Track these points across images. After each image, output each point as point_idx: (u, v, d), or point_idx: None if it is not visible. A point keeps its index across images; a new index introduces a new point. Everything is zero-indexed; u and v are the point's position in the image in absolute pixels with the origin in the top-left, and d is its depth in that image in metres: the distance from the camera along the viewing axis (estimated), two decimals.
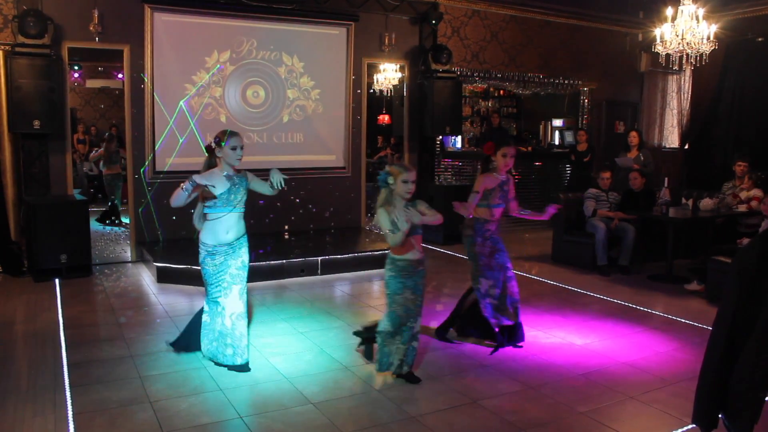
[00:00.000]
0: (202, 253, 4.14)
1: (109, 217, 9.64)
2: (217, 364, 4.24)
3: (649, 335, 5.08)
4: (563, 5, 10.22)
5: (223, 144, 4.02)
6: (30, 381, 3.99)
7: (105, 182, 9.78)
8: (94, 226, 8.30)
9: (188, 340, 4.45)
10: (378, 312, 5.66)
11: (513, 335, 4.71)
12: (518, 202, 4.86)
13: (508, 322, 4.67)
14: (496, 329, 4.64)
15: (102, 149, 9.75)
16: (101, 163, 9.73)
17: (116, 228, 9.36)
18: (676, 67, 7.38)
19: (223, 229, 4.09)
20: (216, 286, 4.14)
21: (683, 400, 3.70)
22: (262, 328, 5.11)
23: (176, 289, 6.27)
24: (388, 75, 11.14)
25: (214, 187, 4.01)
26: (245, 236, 4.25)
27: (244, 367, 4.17)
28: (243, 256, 4.20)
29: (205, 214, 4.13)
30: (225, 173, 4.07)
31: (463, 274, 6.55)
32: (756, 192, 7.01)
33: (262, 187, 4.25)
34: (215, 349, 4.22)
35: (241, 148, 4.09)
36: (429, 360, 4.45)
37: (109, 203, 9.67)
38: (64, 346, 4.61)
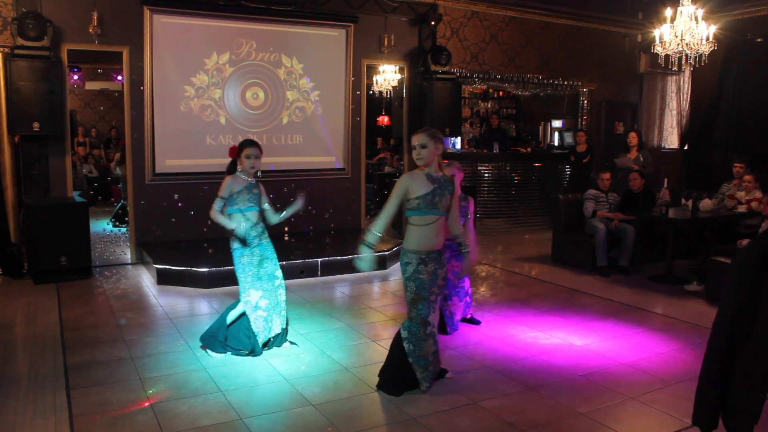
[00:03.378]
0: (414, 263, 3.71)
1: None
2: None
3: (649, 336, 5.08)
4: (562, 6, 10.24)
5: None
6: (30, 383, 3.99)
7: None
8: (95, 227, 8.29)
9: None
10: (377, 312, 5.66)
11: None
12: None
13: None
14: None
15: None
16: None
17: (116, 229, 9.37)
18: (675, 68, 7.37)
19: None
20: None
21: (683, 400, 3.70)
22: None
23: (176, 291, 6.27)
24: (388, 76, 11.15)
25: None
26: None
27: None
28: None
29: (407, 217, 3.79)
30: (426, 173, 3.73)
31: None
32: (756, 193, 7.00)
33: None
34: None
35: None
36: None
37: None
38: (64, 348, 4.60)
